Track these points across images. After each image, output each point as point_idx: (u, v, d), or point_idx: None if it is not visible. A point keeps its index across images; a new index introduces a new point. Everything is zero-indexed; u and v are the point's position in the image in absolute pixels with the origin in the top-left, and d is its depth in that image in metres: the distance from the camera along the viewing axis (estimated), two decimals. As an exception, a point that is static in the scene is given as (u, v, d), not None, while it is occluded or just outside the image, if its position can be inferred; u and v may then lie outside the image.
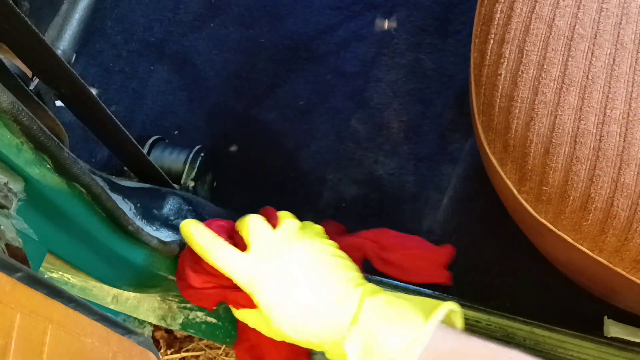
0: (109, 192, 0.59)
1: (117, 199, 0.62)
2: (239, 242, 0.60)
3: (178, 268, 0.64)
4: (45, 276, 0.65)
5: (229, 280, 0.58)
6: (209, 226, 0.61)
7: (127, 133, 0.64)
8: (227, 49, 0.95)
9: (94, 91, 0.95)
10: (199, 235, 0.59)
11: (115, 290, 0.69)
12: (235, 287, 0.58)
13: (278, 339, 0.59)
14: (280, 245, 0.59)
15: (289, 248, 0.59)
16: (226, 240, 0.59)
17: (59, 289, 0.36)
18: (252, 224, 0.60)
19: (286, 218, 0.62)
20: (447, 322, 0.54)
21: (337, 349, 0.54)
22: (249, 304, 0.58)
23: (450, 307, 0.53)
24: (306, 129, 0.88)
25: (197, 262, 0.61)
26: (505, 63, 0.50)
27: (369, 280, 0.60)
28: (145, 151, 0.83)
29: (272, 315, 0.56)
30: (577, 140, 0.47)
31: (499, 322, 0.65)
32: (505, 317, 0.64)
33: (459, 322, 0.55)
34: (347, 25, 0.93)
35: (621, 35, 0.48)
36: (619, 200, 0.46)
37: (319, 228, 0.64)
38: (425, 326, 0.51)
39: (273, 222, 0.61)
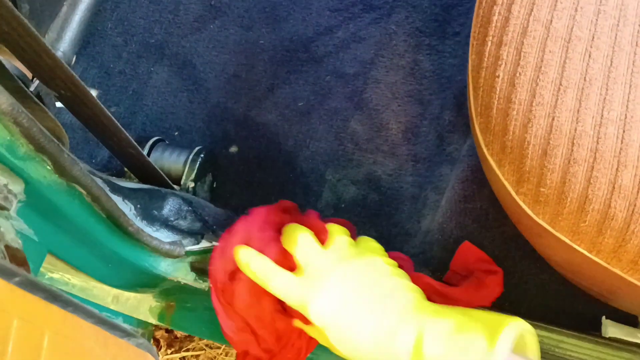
0: (109, 193, 0.59)
1: (117, 200, 0.63)
2: (285, 253, 0.58)
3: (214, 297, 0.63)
4: (46, 277, 0.65)
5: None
6: (254, 230, 0.60)
7: (127, 134, 0.64)
8: (227, 50, 0.95)
9: (94, 92, 0.95)
10: (255, 265, 0.57)
11: (115, 291, 0.69)
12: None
13: (337, 353, 0.56)
14: (331, 266, 0.56)
15: (340, 268, 0.55)
16: (273, 235, 0.58)
17: (57, 292, 0.36)
18: (301, 243, 0.57)
19: (337, 234, 0.59)
20: (519, 343, 0.48)
21: None
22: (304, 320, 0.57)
23: (519, 327, 0.47)
24: (305, 130, 0.88)
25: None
26: (503, 65, 0.50)
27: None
28: (145, 152, 0.84)
29: (327, 334, 0.54)
30: (575, 141, 0.47)
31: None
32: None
33: (533, 345, 0.48)
34: (346, 26, 0.93)
35: (618, 37, 0.48)
36: (616, 201, 0.46)
37: (375, 245, 0.61)
38: (491, 355, 0.45)
39: (322, 237, 0.59)
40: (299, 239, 0.57)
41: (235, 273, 0.61)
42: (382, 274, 0.55)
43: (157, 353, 1.07)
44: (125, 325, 0.70)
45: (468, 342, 0.47)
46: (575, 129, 0.47)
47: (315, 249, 0.57)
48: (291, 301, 0.56)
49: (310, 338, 0.60)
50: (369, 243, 0.60)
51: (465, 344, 0.47)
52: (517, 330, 0.47)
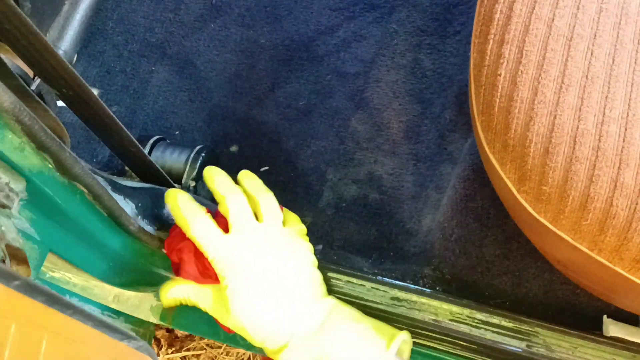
0: (110, 191, 0.59)
1: (119, 198, 0.63)
2: (221, 222, 0.60)
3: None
4: (47, 276, 0.65)
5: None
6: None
7: (129, 133, 0.64)
8: (228, 49, 0.95)
9: (95, 91, 0.95)
10: (184, 206, 0.59)
11: (116, 290, 0.69)
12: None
13: (222, 321, 0.59)
14: (262, 237, 0.59)
15: (270, 241, 0.59)
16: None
17: (57, 296, 0.36)
18: (234, 206, 0.60)
19: (272, 211, 0.62)
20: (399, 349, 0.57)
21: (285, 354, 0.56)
22: (209, 277, 0.59)
23: (404, 337, 0.57)
24: (306, 129, 0.88)
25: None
26: (505, 63, 0.50)
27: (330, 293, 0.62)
28: (146, 151, 0.84)
29: (232, 302, 0.56)
30: (577, 140, 0.47)
31: (498, 322, 0.65)
32: (504, 316, 0.64)
33: (407, 352, 0.58)
34: (347, 25, 0.93)
35: (620, 35, 0.48)
36: (618, 199, 0.46)
37: (304, 229, 0.64)
38: (387, 353, 0.55)
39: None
40: (231, 201, 0.60)
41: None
42: (308, 254, 0.61)
43: (158, 353, 1.08)
44: (126, 328, 0.70)
45: (369, 333, 0.56)
46: (577, 127, 0.47)
47: (250, 215, 0.60)
48: (212, 255, 0.57)
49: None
50: (301, 226, 0.64)
51: (366, 335, 0.56)
52: (403, 338, 0.57)
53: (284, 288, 0.57)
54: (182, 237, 0.61)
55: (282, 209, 0.64)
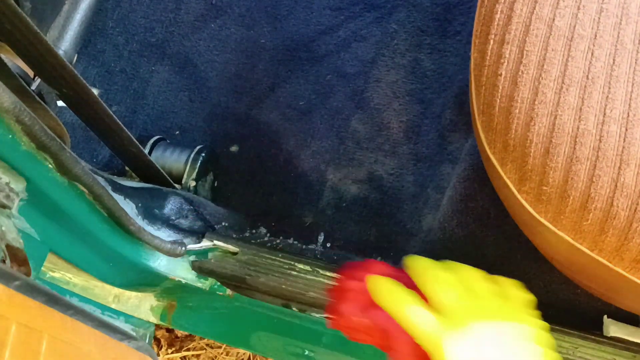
0: (110, 191, 0.59)
1: (119, 198, 0.63)
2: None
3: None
4: (47, 276, 0.65)
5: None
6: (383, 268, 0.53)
7: (129, 133, 0.64)
8: (228, 49, 0.95)
9: (95, 91, 0.95)
10: (389, 292, 0.51)
11: (116, 290, 0.69)
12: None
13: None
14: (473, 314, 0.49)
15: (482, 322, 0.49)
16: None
17: (58, 296, 0.36)
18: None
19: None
20: None
21: None
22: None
23: None
24: (306, 129, 0.88)
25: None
26: (506, 63, 0.50)
27: None
28: (146, 151, 0.84)
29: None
30: (577, 140, 0.47)
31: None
32: (505, 316, 0.64)
33: None
34: (347, 25, 0.93)
35: (621, 35, 0.48)
36: (618, 200, 0.46)
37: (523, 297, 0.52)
38: None
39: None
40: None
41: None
42: (526, 338, 0.49)
43: (158, 353, 1.08)
44: (126, 328, 0.70)
45: None
46: (578, 127, 0.47)
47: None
48: (425, 335, 0.48)
49: None
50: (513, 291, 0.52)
51: None
52: None
53: None
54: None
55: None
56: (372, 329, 0.53)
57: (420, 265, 0.53)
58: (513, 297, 0.52)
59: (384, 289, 0.51)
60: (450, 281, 0.51)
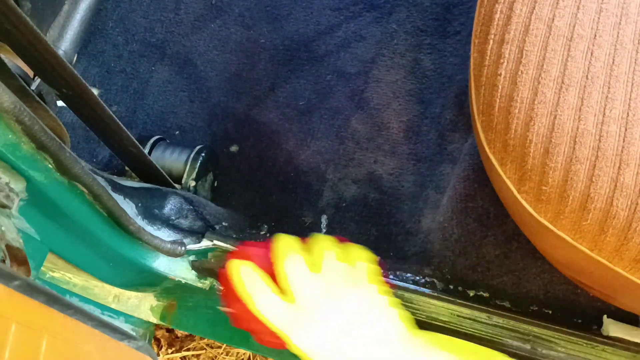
0: (110, 192, 0.59)
1: (119, 198, 0.63)
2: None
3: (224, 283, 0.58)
4: (47, 276, 0.65)
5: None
6: (249, 256, 0.56)
7: (129, 133, 0.64)
8: (228, 49, 0.95)
9: (95, 91, 0.95)
10: (248, 282, 0.53)
11: (116, 290, 0.69)
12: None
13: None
14: (322, 298, 0.53)
15: (332, 301, 0.52)
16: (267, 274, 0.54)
17: (57, 296, 0.36)
18: (292, 266, 0.54)
19: (325, 249, 0.55)
20: None
21: None
22: (277, 343, 0.54)
23: None
24: (306, 129, 0.88)
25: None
26: (505, 63, 0.50)
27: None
28: (146, 151, 0.84)
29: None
30: (577, 140, 0.47)
31: (499, 321, 0.65)
32: (504, 316, 0.64)
33: None
34: (347, 25, 0.93)
35: (620, 35, 0.48)
36: (618, 199, 0.46)
37: (366, 255, 0.56)
38: None
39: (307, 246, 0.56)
40: (290, 261, 0.54)
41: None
42: (377, 306, 0.53)
43: (158, 353, 1.08)
44: (126, 328, 0.70)
45: None
46: (577, 127, 0.47)
47: (306, 273, 0.53)
48: (278, 325, 0.52)
49: None
50: (361, 254, 0.56)
51: None
52: None
53: (363, 345, 0.51)
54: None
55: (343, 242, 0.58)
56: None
57: (276, 246, 0.56)
58: (353, 255, 0.56)
59: (238, 278, 0.54)
60: (299, 261, 0.55)
